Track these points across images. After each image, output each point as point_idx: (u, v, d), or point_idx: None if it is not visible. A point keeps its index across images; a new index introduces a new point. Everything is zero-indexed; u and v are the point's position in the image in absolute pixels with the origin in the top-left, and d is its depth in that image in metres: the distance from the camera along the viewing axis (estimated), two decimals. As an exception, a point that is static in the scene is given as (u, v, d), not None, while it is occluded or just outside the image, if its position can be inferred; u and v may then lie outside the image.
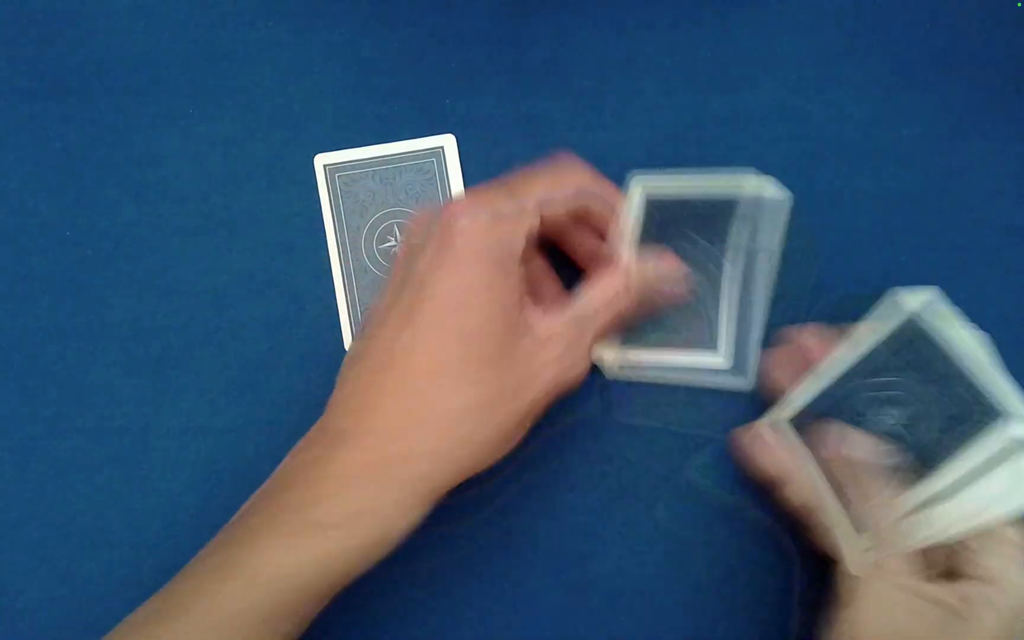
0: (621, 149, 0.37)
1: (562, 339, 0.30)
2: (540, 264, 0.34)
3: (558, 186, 0.31)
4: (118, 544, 0.35)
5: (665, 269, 0.33)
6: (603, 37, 0.38)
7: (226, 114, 0.37)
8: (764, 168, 0.37)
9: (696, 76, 0.38)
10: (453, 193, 0.36)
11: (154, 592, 0.28)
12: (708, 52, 0.38)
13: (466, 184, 0.37)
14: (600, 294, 0.31)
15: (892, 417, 0.30)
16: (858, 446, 0.30)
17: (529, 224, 0.29)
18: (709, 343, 0.34)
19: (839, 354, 0.31)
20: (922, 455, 0.29)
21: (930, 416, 0.29)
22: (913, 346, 0.30)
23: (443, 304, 0.28)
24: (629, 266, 0.32)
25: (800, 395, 0.32)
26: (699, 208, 0.33)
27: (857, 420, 0.31)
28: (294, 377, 0.36)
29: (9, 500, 0.35)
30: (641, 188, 0.34)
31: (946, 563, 0.29)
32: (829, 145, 0.38)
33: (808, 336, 0.33)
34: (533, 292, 0.32)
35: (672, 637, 0.35)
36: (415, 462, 0.28)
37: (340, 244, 0.35)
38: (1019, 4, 0.38)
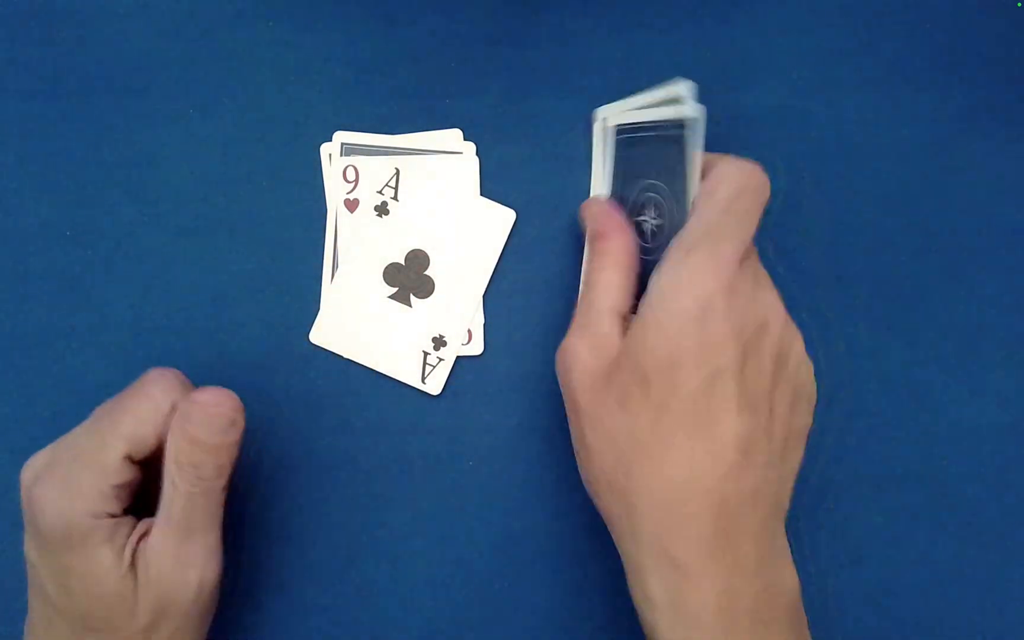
0: (621, 149, 0.37)
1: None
2: None
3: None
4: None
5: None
6: (603, 37, 0.38)
7: (226, 114, 0.37)
8: (764, 168, 0.37)
9: (696, 76, 0.38)
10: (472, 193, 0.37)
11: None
12: (708, 52, 0.38)
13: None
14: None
15: (652, 219, 0.32)
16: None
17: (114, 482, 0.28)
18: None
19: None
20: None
21: (672, 223, 0.31)
22: (671, 154, 0.31)
23: None
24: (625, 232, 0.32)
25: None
26: (656, 153, 0.32)
27: (638, 218, 0.33)
28: (294, 377, 0.36)
29: (9, 500, 0.35)
30: (603, 119, 0.35)
31: None
32: (829, 145, 0.38)
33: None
34: None
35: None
36: None
37: (336, 232, 0.36)
38: (1019, 4, 0.38)
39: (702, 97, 0.38)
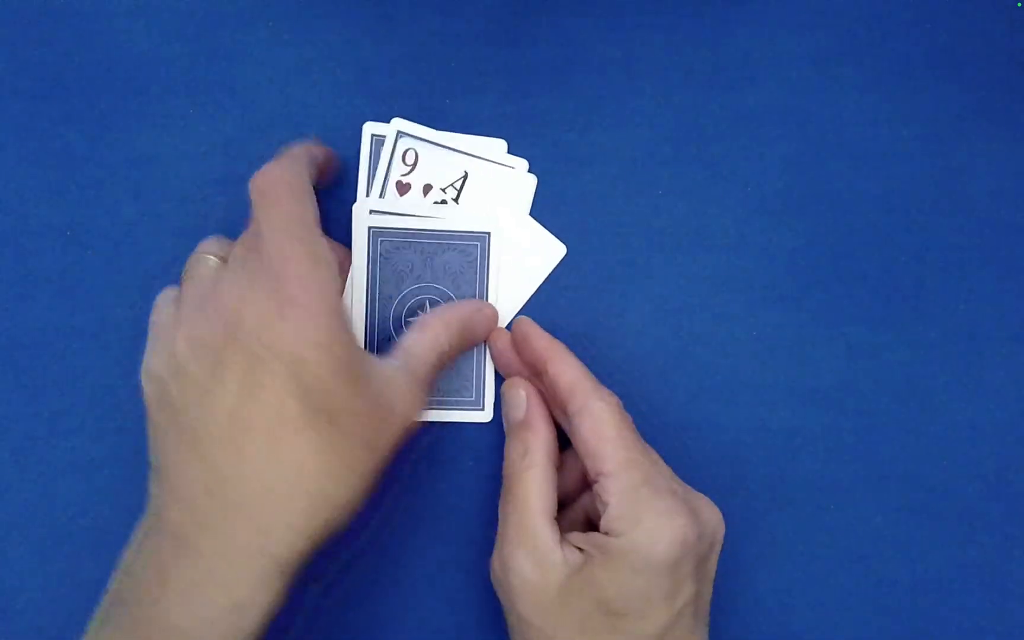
0: (621, 149, 0.37)
1: (400, 379, 0.29)
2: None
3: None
4: (118, 544, 0.35)
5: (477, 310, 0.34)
6: (603, 37, 0.38)
7: (226, 114, 0.37)
8: (764, 168, 0.37)
9: (696, 76, 0.38)
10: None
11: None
12: (708, 52, 0.38)
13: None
14: (421, 337, 0.31)
15: None
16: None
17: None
18: (476, 404, 0.36)
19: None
20: None
21: None
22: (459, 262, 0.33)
23: (281, 364, 0.26)
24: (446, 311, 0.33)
25: None
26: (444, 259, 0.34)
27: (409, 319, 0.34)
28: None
29: (9, 500, 0.35)
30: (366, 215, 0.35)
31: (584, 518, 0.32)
32: (829, 145, 0.38)
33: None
34: None
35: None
36: (269, 543, 0.26)
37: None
38: (1019, 4, 0.38)
39: (702, 97, 0.38)
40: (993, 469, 0.37)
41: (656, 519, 0.28)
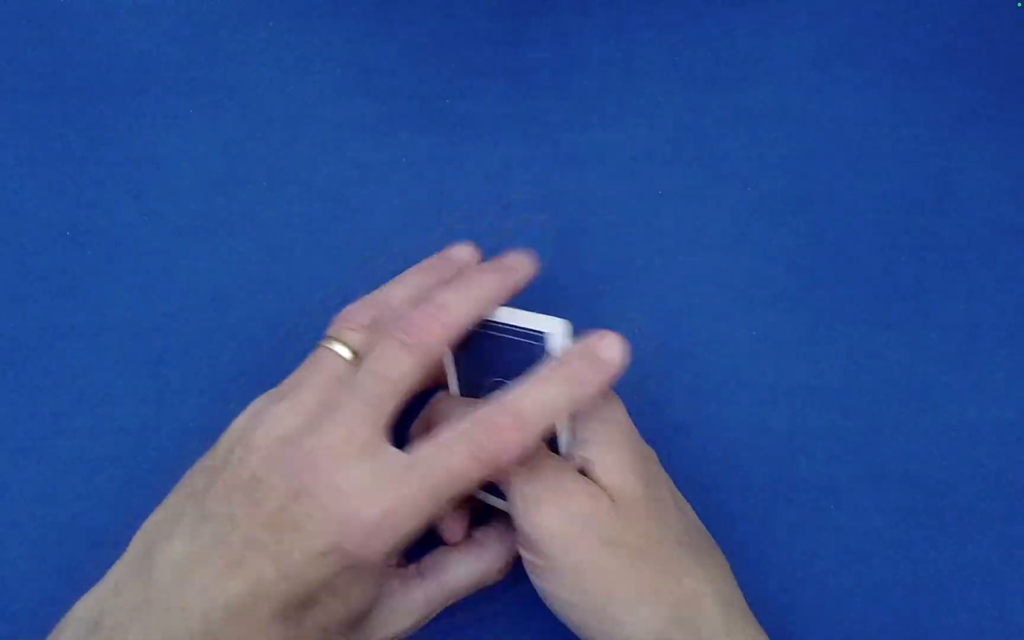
0: (621, 149, 0.37)
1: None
2: None
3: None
4: (118, 544, 0.35)
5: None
6: (603, 37, 0.38)
7: (226, 114, 0.37)
8: (764, 168, 0.37)
9: (696, 76, 0.38)
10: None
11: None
12: (708, 52, 0.38)
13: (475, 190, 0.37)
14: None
15: None
16: None
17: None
18: None
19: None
20: None
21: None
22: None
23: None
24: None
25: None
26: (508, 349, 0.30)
27: None
28: (294, 377, 0.36)
29: (9, 500, 0.35)
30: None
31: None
32: (829, 145, 0.38)
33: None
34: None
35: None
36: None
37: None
38: (1019, 4, 0.38)
39: (702, 96, 0.38)
40: (993, 469, 0.37)
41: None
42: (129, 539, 0.29)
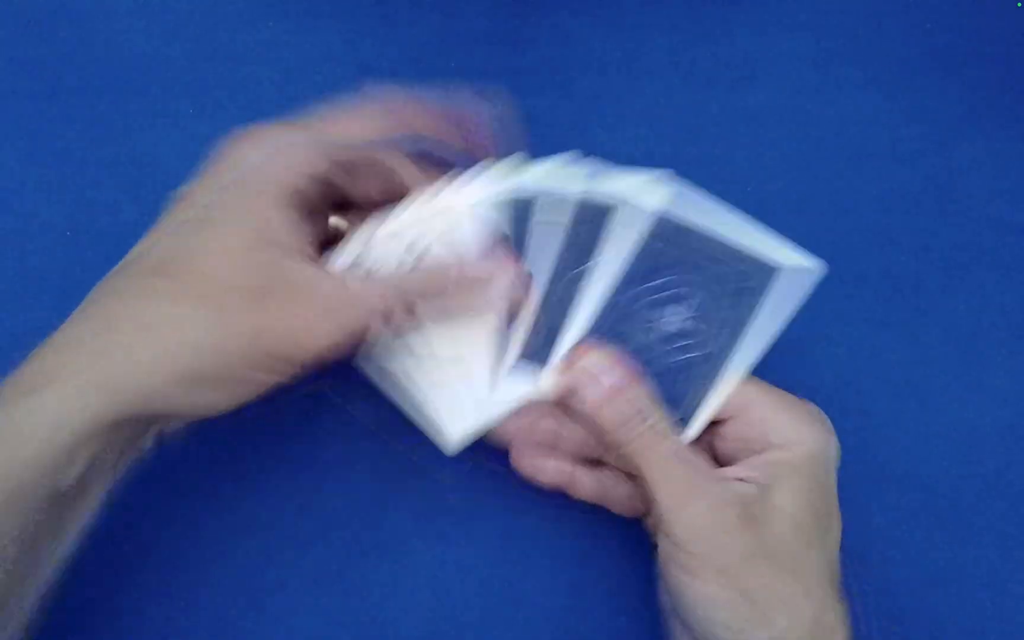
0: (621, 149, 0.37)
1: (330, 302, 0.27)
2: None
3: (363, 129, 0.30)
4: (118, 544, 0.35)
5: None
6: (603, 37, 0.38)
7: (226, 114, 0.37)
8: (764, 168, 0.37)
9: (696, 76, 0.38)
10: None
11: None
12: (708, 52, 0.38)
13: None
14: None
15: (679, 314, 0.29)
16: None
17: (316, 164, 0.28)
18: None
19: (601, 275, 0.29)
20: (719, 339, 0.29)
21: (716, 299, 0.29)
22: (674, 241, 0.29)
23: (209, 252, 0.27)
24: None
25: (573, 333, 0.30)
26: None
27: (647, 328, 0.29)
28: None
29: (9, 500, 0.35)
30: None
31: (733, 455, 0.30)
32: (829, 145, 0.38)
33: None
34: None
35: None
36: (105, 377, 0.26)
37: None
38: (1019, 4, 0.38)
39: (702, 97, 0.38)
40: (993, 469, 0.37)
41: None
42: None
